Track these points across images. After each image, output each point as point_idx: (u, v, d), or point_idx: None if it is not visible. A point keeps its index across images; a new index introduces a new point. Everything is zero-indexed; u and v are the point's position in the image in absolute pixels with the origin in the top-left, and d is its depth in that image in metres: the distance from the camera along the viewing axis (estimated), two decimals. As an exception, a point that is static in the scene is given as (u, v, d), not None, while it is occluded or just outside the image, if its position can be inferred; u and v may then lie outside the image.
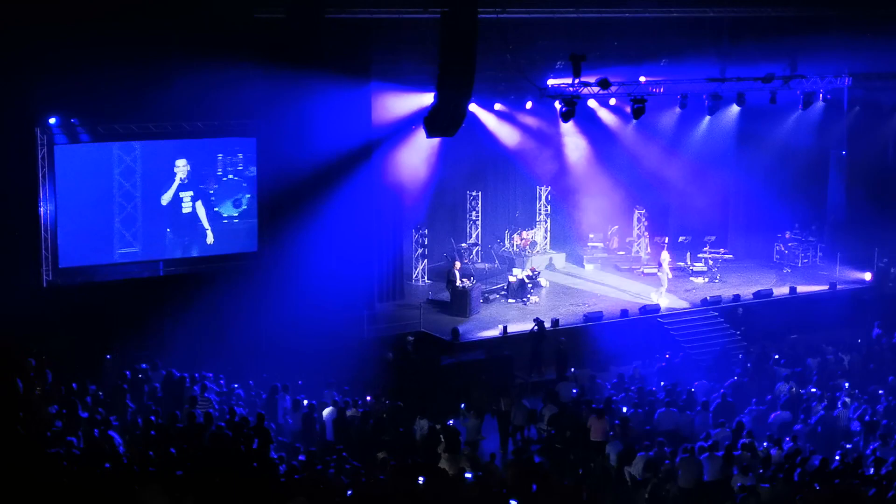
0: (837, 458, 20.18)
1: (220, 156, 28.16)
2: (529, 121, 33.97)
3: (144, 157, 27.22)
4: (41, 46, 23.69)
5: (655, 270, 33.05)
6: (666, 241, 35.39)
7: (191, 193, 27.89)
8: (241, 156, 28.34)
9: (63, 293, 25.98)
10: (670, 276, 32.18)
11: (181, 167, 27.64)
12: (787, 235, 35.64)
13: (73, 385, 21.34)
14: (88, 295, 25.96)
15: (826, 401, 23.72)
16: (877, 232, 34.62)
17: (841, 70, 33.41)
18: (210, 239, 28.17)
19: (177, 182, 27.67)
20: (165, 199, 27.58)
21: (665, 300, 31.39)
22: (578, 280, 34.35)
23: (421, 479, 17.84)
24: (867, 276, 34.03)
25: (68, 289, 26.17)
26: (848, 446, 21.65)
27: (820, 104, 34.32)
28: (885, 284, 33.80)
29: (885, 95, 35.18)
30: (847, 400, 23.67)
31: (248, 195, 28.52)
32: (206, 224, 28.12)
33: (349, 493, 17.05)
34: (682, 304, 31.51)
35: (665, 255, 32.36)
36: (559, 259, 35.93)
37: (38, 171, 25.74)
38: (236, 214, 28.50)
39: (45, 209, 25.99)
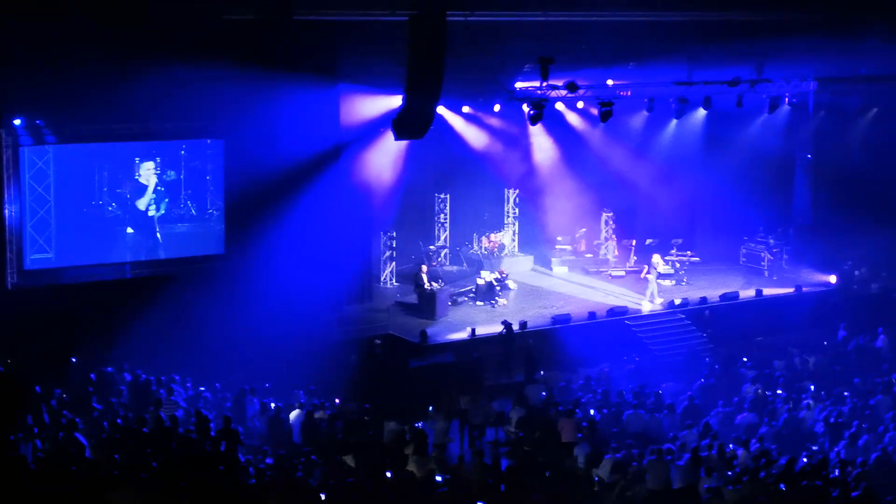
0: (805, 460, 20.32)
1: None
2: (497, 123, 33.99)
3: (108, 159, 27.09)
4: (6, 47, 23.48)
5: (632, 272, 33.31)
6: (634, 243, 35.55)
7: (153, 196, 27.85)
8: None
9: (28, 295, 25.76)
10: (660, 271, 32.39)
11: (150, 171, 27.44)
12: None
13: (37, 388, 21.17)
14: (54, 297, 25.75)
15: (791, 403, 23.90)
16: (842, 234, 34.91)
17: (806, 74, 33.74)
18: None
19: (151, 187, 27.52)
20: (142, 203, 27.51)
21: (655, 304, 31.59)
22: (548, 281, 34.48)
23: (389, 481, 17.84)
24: (832, 278, 34.28)
25: (33, 291, 25.96)
26: (814, 448, 21.81)
27: (786, 108, 34.66)
28: (850, 287, 34.08)
29: (850, 99, 35.56)
30: (812, 402, 23.85)
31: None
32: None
33: (317, 496, 17.00)
34: (649, 306, 31.63)
35: (657, 259, 32.43)
36: (527, 262, 36.02)
37: (3, 173, 25.52)
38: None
39: (9, 211, 25.78)
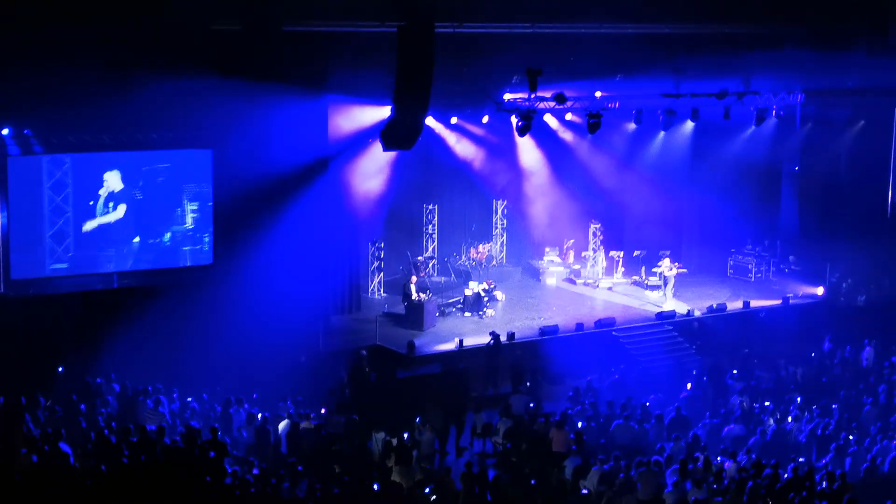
0: (790, 472, 20.33)
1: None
2: (486, 134, 34.00)
3: (96, 168, 27.03)
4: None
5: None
6: (621, 254, 35.59)
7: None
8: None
9: (15, 305, 25.69)
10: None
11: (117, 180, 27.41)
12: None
13: (23, 399, 21.09)
14: (41, 307, 25.68)
15: (778, 414, 23.93)
16: (829, 246, 34.99)
17: (793, 86, 33.81)
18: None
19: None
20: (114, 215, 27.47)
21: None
22: (536, 292, 34.56)
23: (376, 493, 17.83)
24: (819, 290, 34.36)
25: (21, 300, 25.88)
26: (801, 460, 21.83)
27: (773, 120, 34.72)
28: (836, 299, 34.18)
29: (837, 112, 35.59)
30: (798, 413, 23.88)
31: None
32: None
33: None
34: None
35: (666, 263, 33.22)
36: (516, 272, 36.09)
37: (-10, 182, 25.51)
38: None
39: (-4, 220, 25.76)
